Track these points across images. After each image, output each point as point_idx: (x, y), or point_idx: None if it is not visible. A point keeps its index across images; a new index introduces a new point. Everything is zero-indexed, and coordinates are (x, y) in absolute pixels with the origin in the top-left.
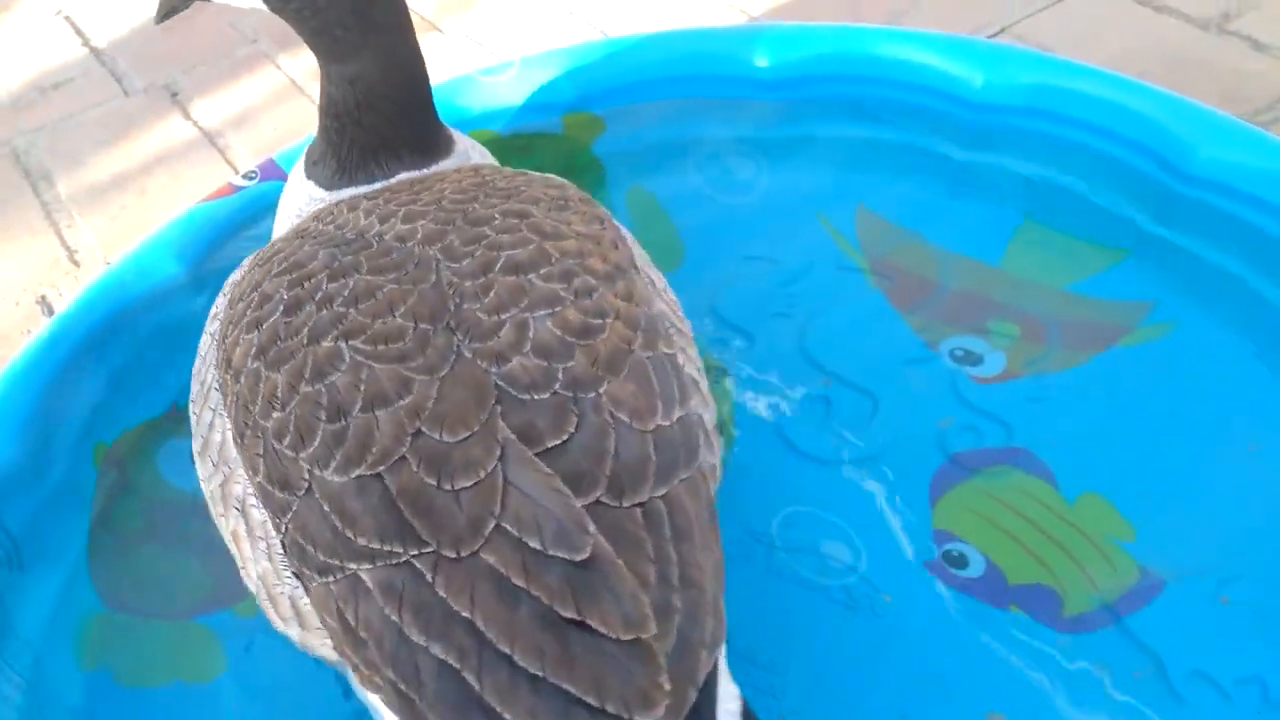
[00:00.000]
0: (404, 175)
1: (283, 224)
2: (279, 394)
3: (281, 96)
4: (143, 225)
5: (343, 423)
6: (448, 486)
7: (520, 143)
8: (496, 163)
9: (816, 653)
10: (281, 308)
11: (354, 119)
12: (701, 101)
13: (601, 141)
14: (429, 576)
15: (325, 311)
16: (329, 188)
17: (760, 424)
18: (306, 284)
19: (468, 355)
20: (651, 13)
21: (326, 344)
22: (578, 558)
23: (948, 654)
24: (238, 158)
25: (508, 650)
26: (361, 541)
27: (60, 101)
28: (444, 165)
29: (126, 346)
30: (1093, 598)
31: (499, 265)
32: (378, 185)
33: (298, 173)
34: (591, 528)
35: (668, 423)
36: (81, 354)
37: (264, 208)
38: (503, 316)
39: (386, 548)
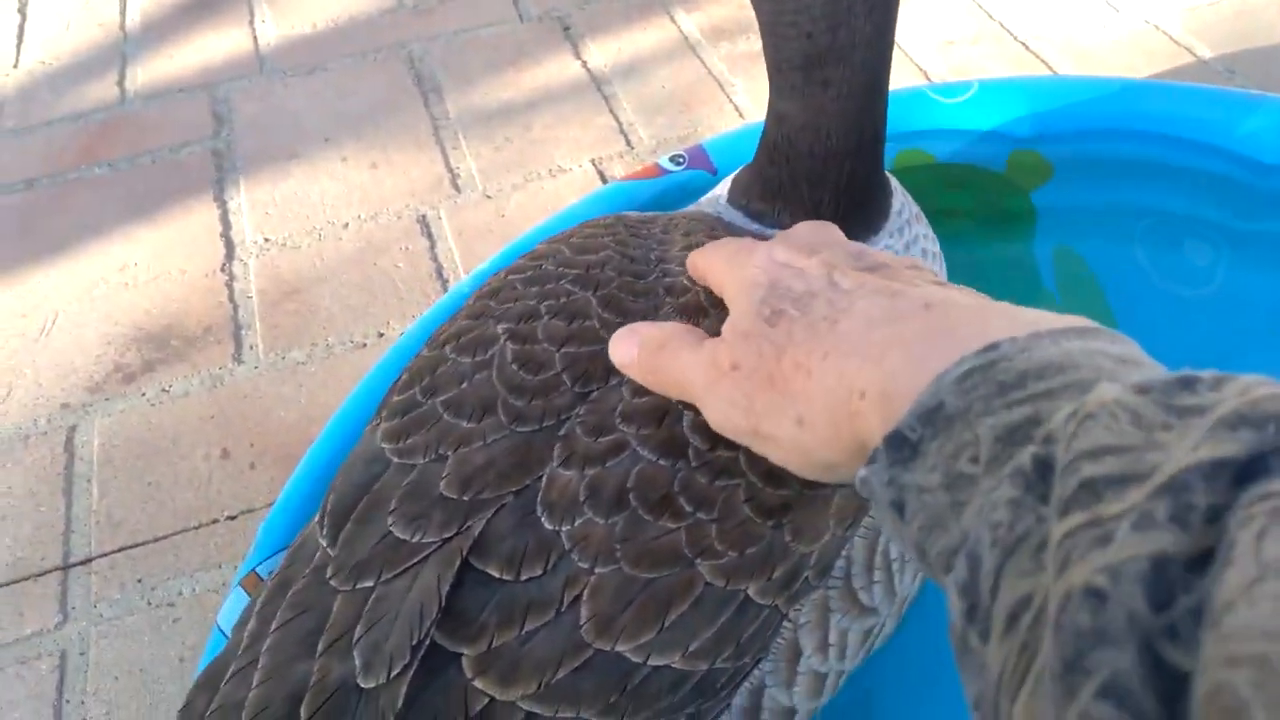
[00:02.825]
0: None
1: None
2: (438, 336)
3: (673, 53)
4: (523, 162)
5: (420, 398)
6: (390, 522)
7: (956, 174)
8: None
9: None
10: (524, 275)
11: (767, 151)
12: (1173, 168)
13: (1044, 190)
14: (313, 563)
15: (533, 302)
16: (728, 196)
17: None
18: (563, 267)
19: (561, 433)
20: (1109, 56)
21: (495, 328)
22: (363, 684)
23: None
24: (621, 109)
25: (255, 674)
26: (329, 502)
27: (457, 12)
28: None
29: None
30: None
31: None
32: (754, 228)
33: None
34: (398, 667)
35: (638, 659)
36: None
37: (686, 195)
38: (621, 428)
39: (323, 520)
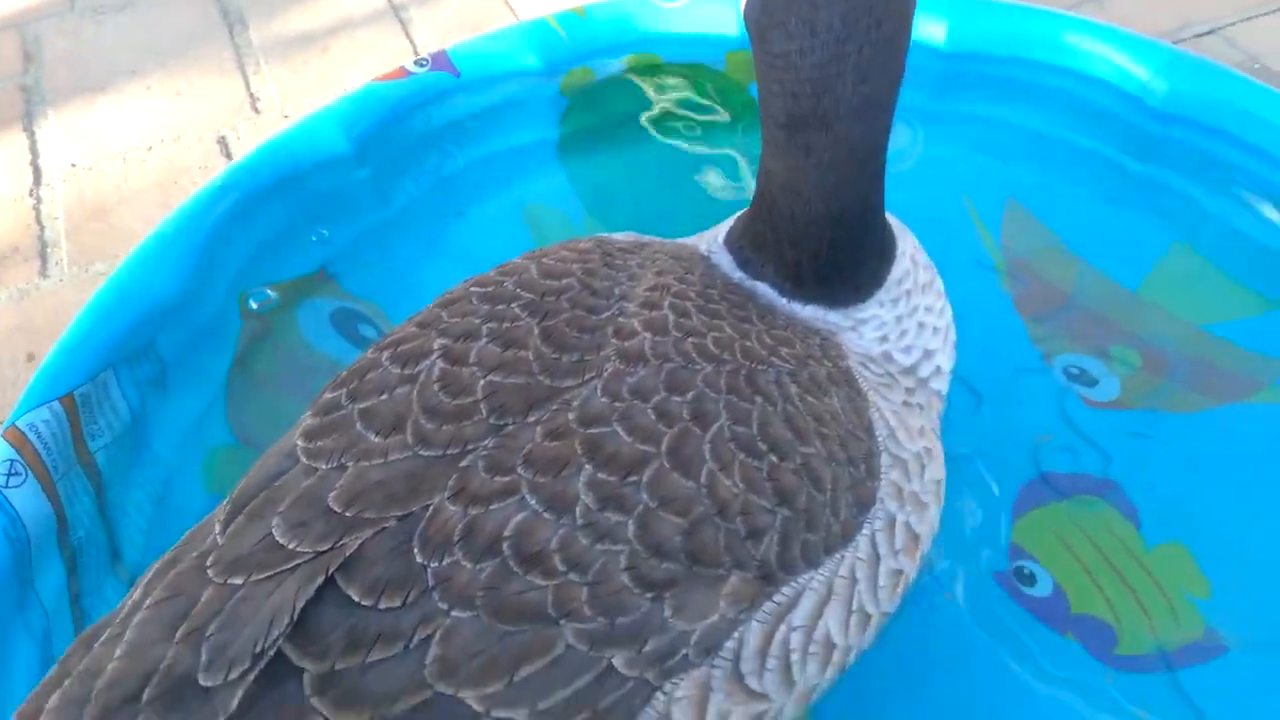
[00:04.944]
0: (765, 288)
1: (704, 235)
2: (385, 338)
3: None
4: (320, 83)
5: (343, 401)
6: (274, 523)
7: (682, 72)
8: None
9: None
10: (483, 290)
11: (756, 202)
12: None
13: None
14: (202, 548)
15: (478, 321)
16: (725, 235)
17: None
18: (521, 289)
19: (462, 464)
20: None
21: (434, 343)
22: (202, 681)
23: (995, 665)
24: (417, 33)
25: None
26: (236, 490)
27: None
28: (819, 317)
29: (287, 206)
30: (1149, 642)
31: (589, 429)
32: (737, 275)
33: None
34: (237, 671)
35: (480, 708)
36: (248, 206)
37: (431, 96)
38: (519, 471)
39: (226, 507)
